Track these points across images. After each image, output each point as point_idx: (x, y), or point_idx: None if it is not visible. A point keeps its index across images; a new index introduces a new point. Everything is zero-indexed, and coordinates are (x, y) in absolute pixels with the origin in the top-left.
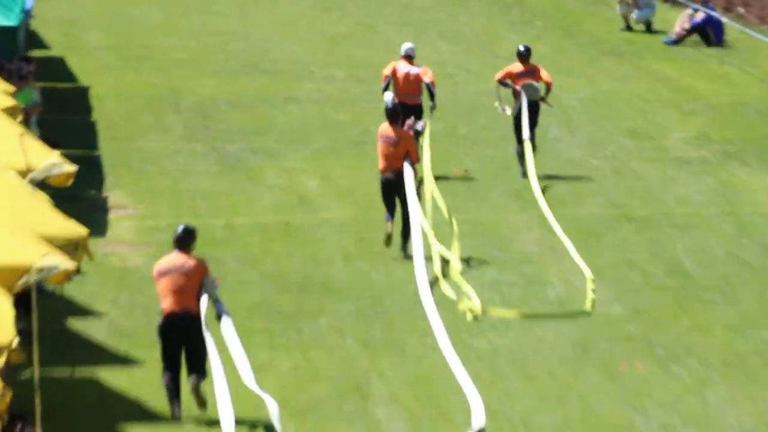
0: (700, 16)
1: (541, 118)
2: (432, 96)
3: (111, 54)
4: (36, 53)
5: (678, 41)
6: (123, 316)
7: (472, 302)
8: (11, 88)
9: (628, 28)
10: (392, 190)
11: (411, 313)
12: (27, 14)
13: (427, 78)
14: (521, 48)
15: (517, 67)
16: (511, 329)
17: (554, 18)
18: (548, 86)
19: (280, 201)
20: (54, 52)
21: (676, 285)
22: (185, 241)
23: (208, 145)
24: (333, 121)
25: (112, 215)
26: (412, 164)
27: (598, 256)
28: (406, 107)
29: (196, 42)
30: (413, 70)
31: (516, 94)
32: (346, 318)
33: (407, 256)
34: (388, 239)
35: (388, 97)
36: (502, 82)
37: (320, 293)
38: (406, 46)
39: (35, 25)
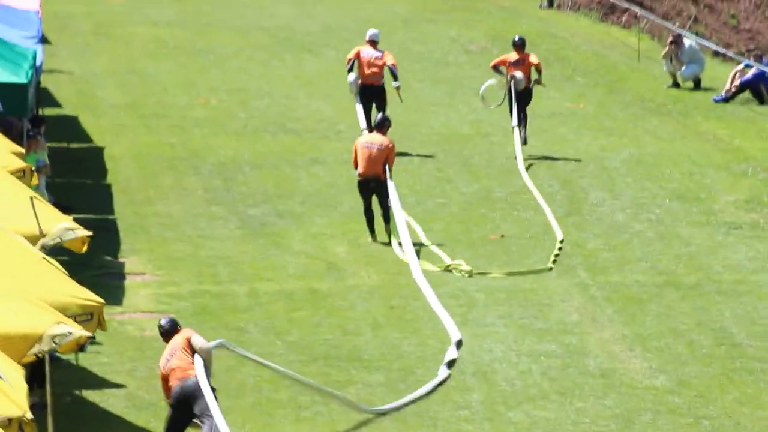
0: (751, 73)
1: (582, 181)
2: (395, 77)
3: (126, 112)
4: (47, 111)
5: (728, 99)
6: (141, 387)
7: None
8: (21, 149)
9: (676, 85)
10: (370, 191)
11: (443, 385)
12: (37, 70)
13: (389, 61)
14: (516, 38)
15: (512, 56)
16: (550, 401)
17: (597, 74)
18: (537, 68)
19: (306, 267)
20: (66, 110)
21: (724, 355)
22: (170, 332)
23: (230, 208)
24: None
25: (129, 282)
26: (389, 170)
27: (642, 325)
28: (370, 88)
29: (216, 99)
30: (376, 54)
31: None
32: (376, 389)
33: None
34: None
35: (352, 77)
36: (496, 69)
37: (348, 363)
38: (371, 31)
39: (46, 81)
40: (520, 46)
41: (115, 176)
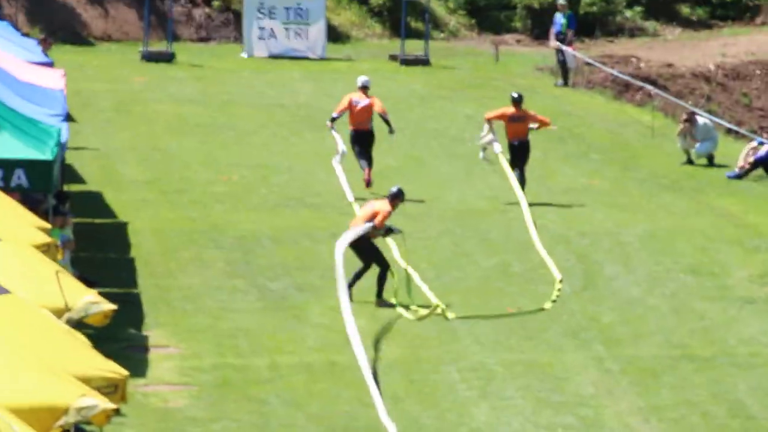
0: (764, 150)
1: (598, 255)
2: (387, 122)
3: (148, 188)
4: (72, 187)
5: (742, 176)
6: None
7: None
8: (47, 224)
9: (690, 161)
10: (359, 249)
11: None
12: (62, 147)
13: (377, 109)
14: (514, 94)
15: (510, 109)
16: None
17: (611, 151)
18: (543, 123)
19: (326, 339)
20: (90, 186)
21: (739, 427)
22: None
23: (250, 281)
24: None
25: (152, 355)
26: (375, 227)
27: (657, 397)
28: (362, 133)
29: (237, 175)
30: (364, 101)
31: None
32: None
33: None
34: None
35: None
36: (490, 123)
37: None
38: (363, 78)
39: (71, 158)
40: (518, 101)
41: (138, 250)
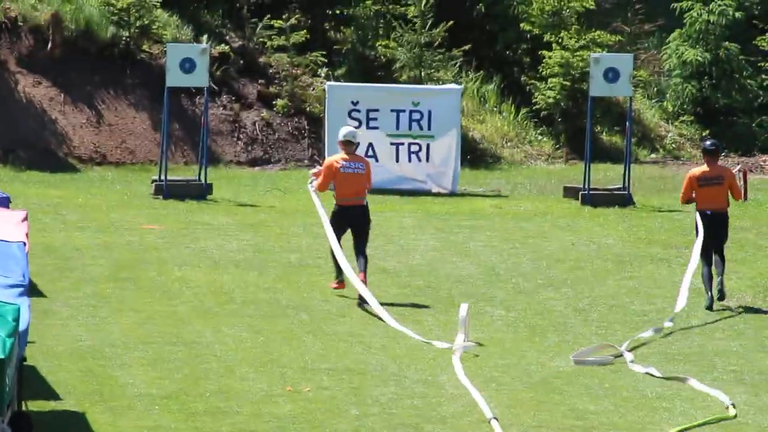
0: None
1: None
2: None
3: (166, 408)
4: (38, 406)
5: None
6: None
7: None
8: None
9: None
10: None
11: None
12: (22, 338)
13: (369, 184)
14: (707, 143)
15: (700, 169)
16: None
17: None
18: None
19: None
20: (68, 404)
21: None
22: None
23: None
24: None
25: None
26: None
27: None
28: (353, 210)
29: (311, 385)
30: (352, 166)
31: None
32: None
33: None
34: None
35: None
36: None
37: None
38: (345, 130)
39: (35, 356)
40: (712, 152)
41: None
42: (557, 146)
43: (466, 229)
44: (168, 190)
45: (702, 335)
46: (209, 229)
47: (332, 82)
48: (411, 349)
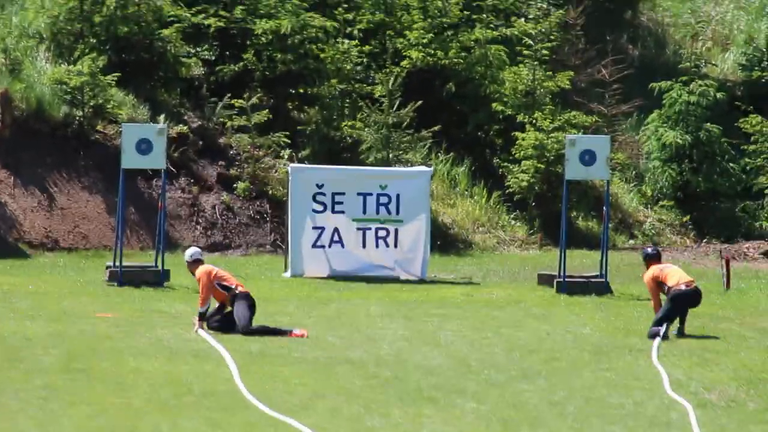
0: None
1: None
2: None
3: None
4: None
5: None
6: None
7: None
8: None
9: None
10: None
11: None
12: None
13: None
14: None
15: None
16: None
17: None
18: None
19: None
20: None
21: None
22: None
23: None
24: None
25: None
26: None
27: None
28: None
29: None
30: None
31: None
32: None
33: None
34: None
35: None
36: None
37: None
38: (191, 251)
39: None
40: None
41: None
42: (531, 231)
43: (436, 317)
44: (123, 277)
45: (683, 430)
46: (166, 317)
47: (296, 164)
48: None
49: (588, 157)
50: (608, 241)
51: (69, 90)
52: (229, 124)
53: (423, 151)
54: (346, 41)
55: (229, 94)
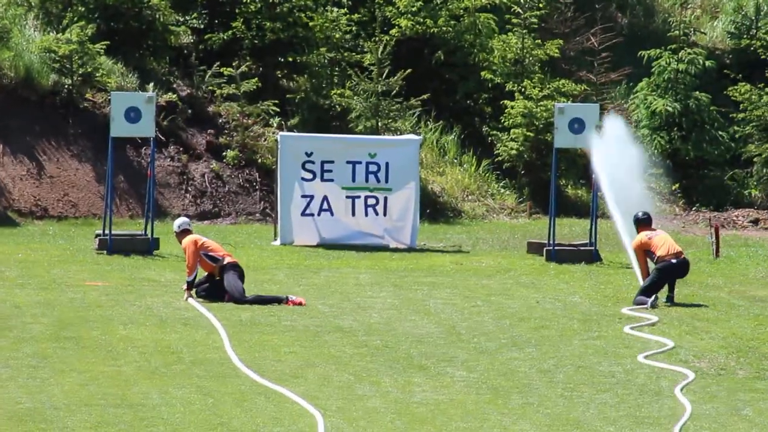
0: None
1: None
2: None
3: None
4: None
5: None
6: None
7: None
8: None
9: None
10: None
11: None
12: None
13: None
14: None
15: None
16: None
17: None
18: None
19: None
20: None
21: None
22: None
23: None
24: None
25: None
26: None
27: None
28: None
29: None
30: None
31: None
32: None
33: None
34: None
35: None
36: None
37: None
38: (179, 220)
39: None
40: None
41: None
42: (520, 200)
43: (425, 286)
44: (112, 245)
45: (672, 398)
46: (156, 285)
47: (285, 133)
48: (368, 411)
49: (577, 125)
50: (597, 209)
51: (58, 58)
52: (218, 92)
53: (412, 119)
54: (335, 9)
55: (218, 63)
